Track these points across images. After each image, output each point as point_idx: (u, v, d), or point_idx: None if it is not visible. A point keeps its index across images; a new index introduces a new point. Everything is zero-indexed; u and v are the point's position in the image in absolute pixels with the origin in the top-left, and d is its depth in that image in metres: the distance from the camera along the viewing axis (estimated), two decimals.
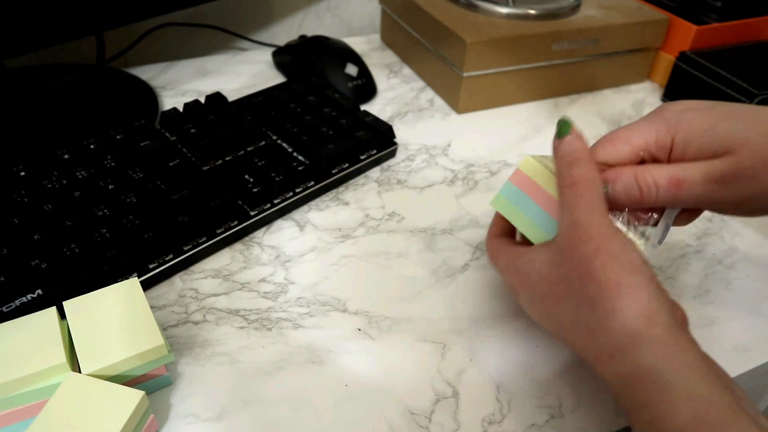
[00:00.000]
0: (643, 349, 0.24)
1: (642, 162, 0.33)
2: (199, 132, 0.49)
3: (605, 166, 0.33)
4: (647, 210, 0.33)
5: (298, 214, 0.47)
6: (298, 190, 0.47)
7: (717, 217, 0.49)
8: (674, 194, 0.31)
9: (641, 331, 0.25)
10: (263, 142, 0.51)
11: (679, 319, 0.27)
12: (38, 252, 0.38)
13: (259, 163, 0.47)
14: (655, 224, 0.33)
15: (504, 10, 0.61)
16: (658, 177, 0.31)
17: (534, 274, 0.30)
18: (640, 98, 0.66)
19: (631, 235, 0.33)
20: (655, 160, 0.33)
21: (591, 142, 0.33)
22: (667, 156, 0.32)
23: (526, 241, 0.35)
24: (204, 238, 0.42)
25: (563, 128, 0.31)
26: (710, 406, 0.22)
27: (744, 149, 0.29)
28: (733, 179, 0.29)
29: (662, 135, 0.32)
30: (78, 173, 0.44)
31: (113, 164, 0.45)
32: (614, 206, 0.32)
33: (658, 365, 0.24)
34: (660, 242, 0.34)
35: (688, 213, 0.35)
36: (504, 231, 0.36)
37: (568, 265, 0.28)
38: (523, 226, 0.34)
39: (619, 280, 0.26)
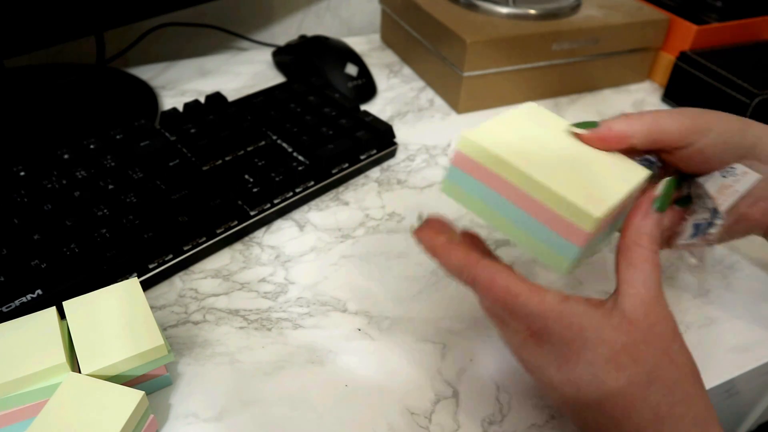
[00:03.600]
0: None
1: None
2: (199, 132, 0.49)
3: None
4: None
5: (298, 214, 0.47)
6: (298, 190, 0.47)
7: None
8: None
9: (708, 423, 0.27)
10: (263, 142, 0.51)
11: None
12: (38, 252, 0.38)
13: (259, 163, 0.47)
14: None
15: (504, 10, 0.61)
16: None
17: (591, 332, 0.27)
18: (640, 98, 0.66)
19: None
20: (659, 150, 0.33)
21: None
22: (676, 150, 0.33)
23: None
24: (204, 238, 0.42)
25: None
26: None
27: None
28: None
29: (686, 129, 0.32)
30: (78, 173, 0.44)
31: (113, 164, 0.45)
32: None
33: None
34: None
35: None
36: (485, 250, 0.32)
37: (639, 338, 0.27)
38: (481, 212, 0.31)
39: (694, 369, 0.28)
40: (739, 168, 0.32)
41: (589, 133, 0.31)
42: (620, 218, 0.31)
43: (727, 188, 0.32)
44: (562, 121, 0.33)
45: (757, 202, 0.34)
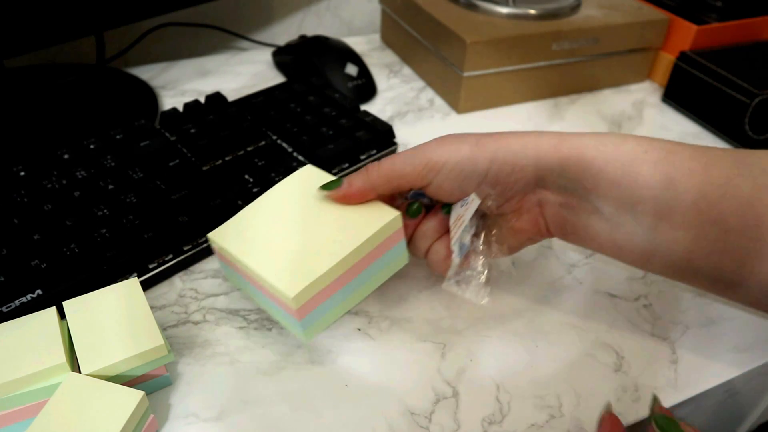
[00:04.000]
0: None
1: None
2: (199, 132, 0.49)
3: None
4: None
5: None
6: None
7: None
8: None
9: None
10: (263, 142, 0.51)
11: None
12: (38, 252, 0.38)
13: (259, 163, 0.47)
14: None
15: (504, 10, 0.61)
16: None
17: None
18: (640, 98, 0.66)
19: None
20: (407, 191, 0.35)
21: None
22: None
23: None
24: (204, 238, 0.42)
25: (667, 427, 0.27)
26: None
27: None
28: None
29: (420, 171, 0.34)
30: (78, 173, 0.44)
31: (113, 164, 0.45)
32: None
33: None
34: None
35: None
36: None
37: None
38: (247, 293, 0.35)
39: None
40: (470, 197, 0.33)
41: (333, 193, 0.34)
42: (382, 256, 0.33)
43: (459, 218, 0.34)
44: (326, 180, 0.35)
45: (519, 215, 0.35)
